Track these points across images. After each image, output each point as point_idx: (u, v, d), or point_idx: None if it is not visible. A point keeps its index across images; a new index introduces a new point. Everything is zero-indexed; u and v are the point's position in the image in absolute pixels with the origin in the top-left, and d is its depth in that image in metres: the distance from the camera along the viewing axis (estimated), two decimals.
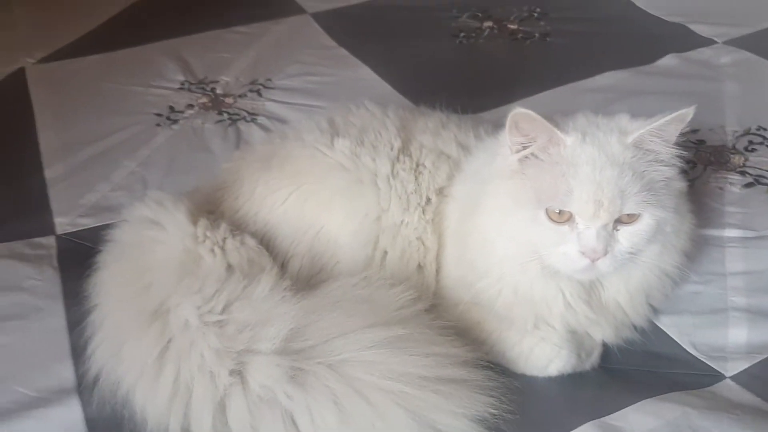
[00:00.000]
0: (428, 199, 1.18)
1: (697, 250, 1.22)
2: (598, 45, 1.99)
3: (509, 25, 2.11)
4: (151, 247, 1.15)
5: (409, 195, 1.17)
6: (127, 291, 1.11)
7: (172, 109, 1.82)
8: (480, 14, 2.17)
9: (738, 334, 1.17)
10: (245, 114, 1.78)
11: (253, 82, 1.91)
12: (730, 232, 1.36)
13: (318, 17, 2.21)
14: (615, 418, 1.03)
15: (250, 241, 1.16)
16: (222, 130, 1.73)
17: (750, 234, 1.35)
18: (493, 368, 1.05)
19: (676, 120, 0.99)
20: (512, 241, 1.05)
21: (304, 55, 2.01)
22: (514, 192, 1.04)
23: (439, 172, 1.20)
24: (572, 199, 0.98)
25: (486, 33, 2.09)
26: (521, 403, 1.02)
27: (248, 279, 1.07)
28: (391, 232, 1.16)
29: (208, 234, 1.15)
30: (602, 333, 1.13)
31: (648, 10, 2.13)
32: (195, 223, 1.17)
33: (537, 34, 2.06)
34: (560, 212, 1.00)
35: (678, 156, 1.03)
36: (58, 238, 1.44)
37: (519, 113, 0.98)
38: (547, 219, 1.00)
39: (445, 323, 1.06)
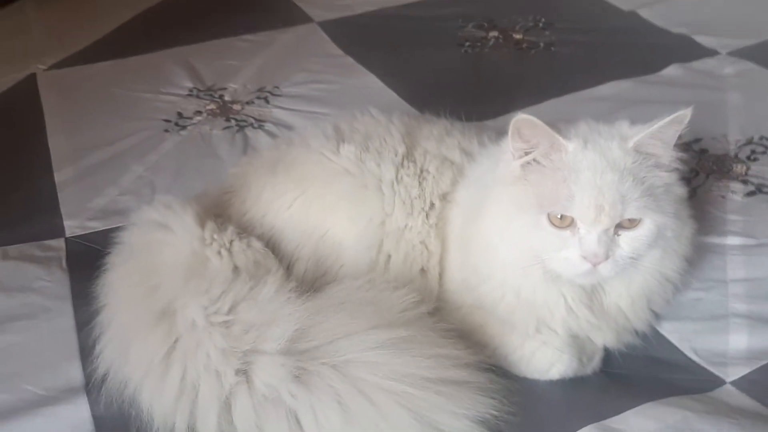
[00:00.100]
0: (432, 204, 1.20)
1: (698, 256, 1.23)
2: (602, 55, 2.01)
3: (514, 35, 2.13)
4: (159, 249, 1.17)
5: (413, 200, 1.19)
6: (135, 292, 1.13)
7: (180, 115, 1.84)
8: (485, 24, 2.19)
9: (738, 340, 1.18)
10: (252, 120, 1.81)
11: (260, 90, 1.93)
12: (732, 240, 1.37)
13: (325, 26, 2.24)
14: (616, 422, 1.04)
15: (257, 244, 1.17)
16: (230, 136, 1.75)
17: (751, 242, 1.36)
18: (495, 371, 1.06)
19: (674, 121, 1.01)
20: (514, 245, 1.06)
21: (310, 63, 2.04)
22: (516, 197, 1.05)
23: (443, 177, 1.21)
24: (574, 204, 1.00)
25: (491, 42, 2.11)
26: (522, 404, 1.03)
27: (254, 280, 1.08)
28: (394, 236, 1.18)
29: (216, 237, 1.17)
30: (604, 337, 1.14)
31: (653, 21, 2.15)
32: (202, 225, 1.19)
33: (542, 44, 2.08)
34: (562, 217, 1.01)
35: (678, 159, 1.04)
36: (68, 240, 1.46)
37: (521, 119, 1.00)
38: (549, 224, 1.02)
39: (448, 326, 1.07)
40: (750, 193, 1.48)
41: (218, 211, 1.26)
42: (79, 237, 1.48)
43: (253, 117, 1.82)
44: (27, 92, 1.96)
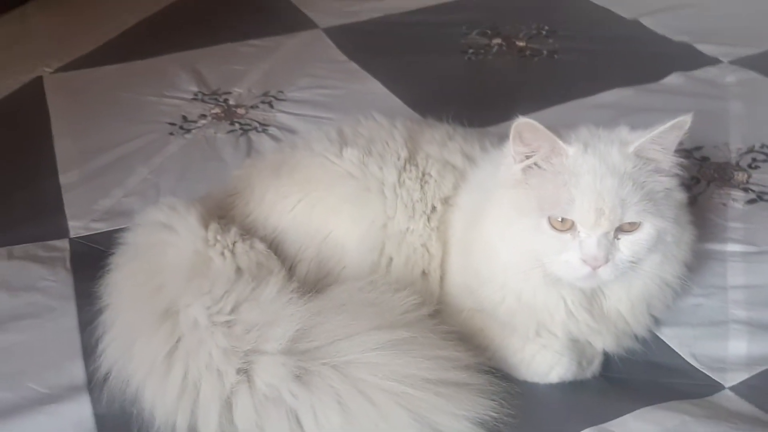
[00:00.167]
0: (434, 208, 1.21)
1: (698, 262, 1.24)
2: (604, 63, 2.02)
3: (518, 43, 2.15)
4: (163, 249, 1.18)
5: (415, 203, 1.20)
6: (138, 291, 1.14)
7: (185, 118, 1.86)
8: (489, 31, 2.21)
9: (738, 346, 1.19)
10: (256, 124, 1.82)
11: (265, 94, 1.94)
12: (732, 247, 1.38)
13: (330, 32, 2.26)
14: (614, 425, 1.05)
15: (259, 245, 1.18)
16: (233, 139, 1.77)
17: (752, 249, 1.37)
18: (495, 373, 1.07)
19: (674, 127, 1.02)
20: (515, 248, 1.07)
21: (315, 69, 2.05)
22: (517, 201, 1.06)
23: (445, 181, 1.22)
24: (574, 207, 1.01)
25: (495, 50, 2.13)
26: (522, 407, 1.04)
27: (256, 281, 1.09)
28: (396, 238, 1.19)
29: (219, 238, 1.18)
30: (603, 342, 1.15)
31: (655, 30, 2.16)
32: (206, 227, 1.20)
33: (545, 52, 2.10)
34: (562, 220, 1.02)
35: (678, 165, 1.05)
36: (72, 241, 1.48)
37: (523, 123, 1.01)
38: (550, 227, 1.02)
39: (449, 328, 1.08)
40: (751, 201, 1.49)
41: (222, 213, 1.27)
42: (83, 238, 1.49)
43: (257, 121, 1.83)
44: (33, 95, 1.98)
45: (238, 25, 2.31)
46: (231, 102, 1.92)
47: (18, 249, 1.44)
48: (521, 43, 2.14)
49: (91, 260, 1.34)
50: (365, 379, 0.99)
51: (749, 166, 1.58)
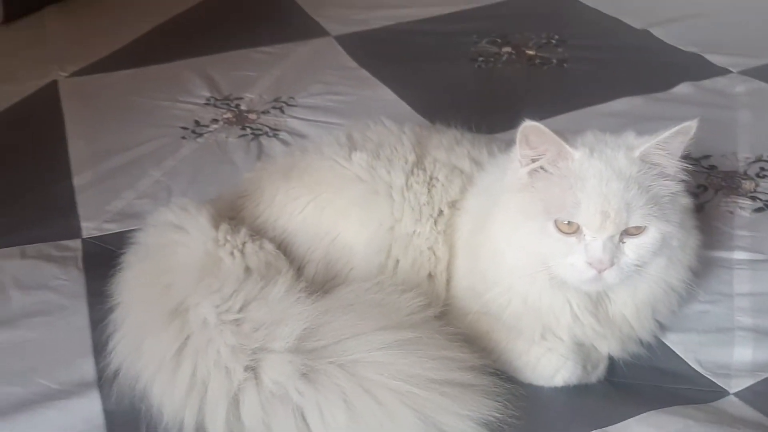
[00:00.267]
0: (440, 211, 1.22)
1: (705, 269, 1.25)
2: (614, 72, 2.03)
3: (527, 51, 2.16)
4: (174, 249, 1.20)
5: (422, 206, 1.21)
6: (149, 290, 1.16)
7: (197, 123, 1.88)
8: (499, 40, 2.22)
9: (743, 353, 1.19)
10: (267, 129, 1.84)
11: (276, 100, 1.96)
12: (739, 255, 1.38)
13: (341, 40, 2.28)
14: (618, 429, 1.06)
15: (269, 246, 1.20)
16: (245, 144, 1.79)
17: (758, 257, 1.37)
18: (500, 375, 1.08)
19: (680, 132, 1.03)
20: (521, 251, 1.08)
21: (326, 76, 2.07)
22: (523, 204, 1.07)
23: (452, 185, 1.24)
24: (580, 211, 1.02)
25: (504, 58, 2.14)
26: (526, 409, 1.05)
27: (265, 281, 1.11)
28: (403, 241, 1.20)
29: (229, 238, 1.20)
30: (608, 346, 1.16)
31: (665, 40, 2.17)
32: (217, 227, 1.21)
33: (554, 60, 2.11)
34: (568, 223, 1.03)
35: (683, 170, 1.06)
36: (84, 241, 1.50)
37: (529, 126, 1.02)
38: (556, 230, 1.03)
39: (454, 329, 1.09)
40: (758, 209, 1.49)
41: (232, 214, 1.29)
42: (95, 238, 1.51)
43: (268, 126, 1.85)
44: (48, 98, 2.01)
45: (251, 33, 2.32)
46: (243, 107, 1.94)
47: (31, 248, 1.46)
48: (531, 52, 2.15)
49: (102, 260, 1.36)
50: (371, 378, 1.00)
51: (757, 175, 1.59)
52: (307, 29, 2.36)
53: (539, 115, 1.74)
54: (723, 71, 1.98)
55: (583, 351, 1.14)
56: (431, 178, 1.24)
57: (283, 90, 2.01)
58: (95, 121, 1.90)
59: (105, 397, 1.13)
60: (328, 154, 1.28)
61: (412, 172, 1.24)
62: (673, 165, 1.04)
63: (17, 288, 1.36)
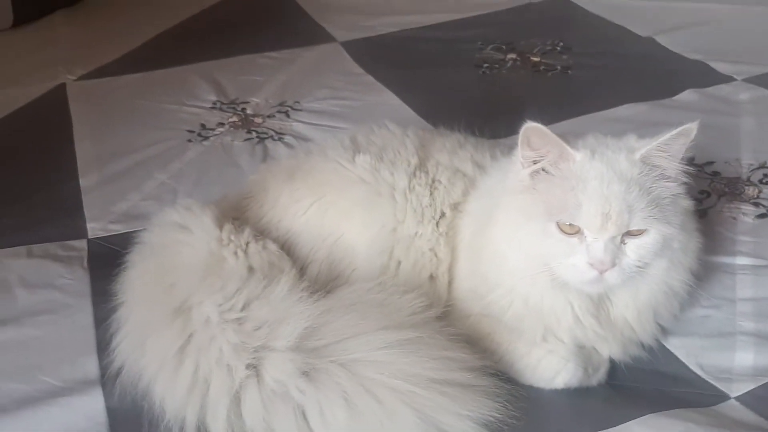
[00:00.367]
0: (443, 213, 1.23)
1: (707, 274, 1.25)
2: (618, 79, 2.03)
3: (532, 58, 2.17)
4: (178, 248, 1.21)
5: (424, 208, 1.22)
6: (152, 289, 1.17)
7: (203, 126, 1.89)
8: (504, 47, 2.23)
9: (745, 357, 1.19)
10: (273, 133, 1.85)
11: (281, 104, 1.98)
12: (742, 260, 1.38)
13: (347, 45, 2.29)
14: (618, 431, 1.06)
15: (272, 246, 1.21)
16: (250, 147, 1.80)
17: (761, 262, 1.37)
18: (500, 376, 1.08)
19: (681, 134, 1.03)
20: (523, 253, 1.09)
21: (332, 81, 2.08)
22: (525, 206, 1.08)
23: (455, 188, 1.24)
24: (581, 213, 1.02)
25: (509, 64, 2.15)
26: (526, 410, 1.05)
27: (268, 280, 1.11)
28: (405, 242, 1.21)
29: (233, 238, 1.21)
30: (609, 349, 1.16)
31: (669, 48, 2.17)
32: (221, 227, 1.22)
33: (559, 67, 2.12)
34: (570, 224, 1.03)
35: (684, 172, 1.06)
36: (90, 241, 1.51)
37: (531, 127, 1.03)
38: (558, 231, 1.04)
39: (455, 330, 1.10)
40: (761, 216, 1.49)
41: (236, 215, 1.30)
42: (101, 239, 1.52)
43: (273, 130, 1.87)
44: (56, 101, 2.03)
45: (258, 38, 2.34)
46: (249, 111, 1.96)
47: (37, 248, 1.48)
48: (535, 59, 2.16)
49: (107, 260, 1.37)
50: (371, 377, 1.01)
51: (760, 181, 1.59)
52: (314, 35, 2.37)
53: (543, 121, 1.75)
54: (727, 79, 1.98)
55: (584, 354, 1.15)
56: (434, 181, 1.25)
57: (289, 94, 2.02)
58: (102, 123, 1.92)
59: (108, 395, 1.14)
60: (332, 157, 1.29)
61: (414, 174, 1.25)
62: (674, 167, 1.05)
63: (23, 287, 1.38)
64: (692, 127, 1.03)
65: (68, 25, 2.46)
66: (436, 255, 1.21)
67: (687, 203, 1.09)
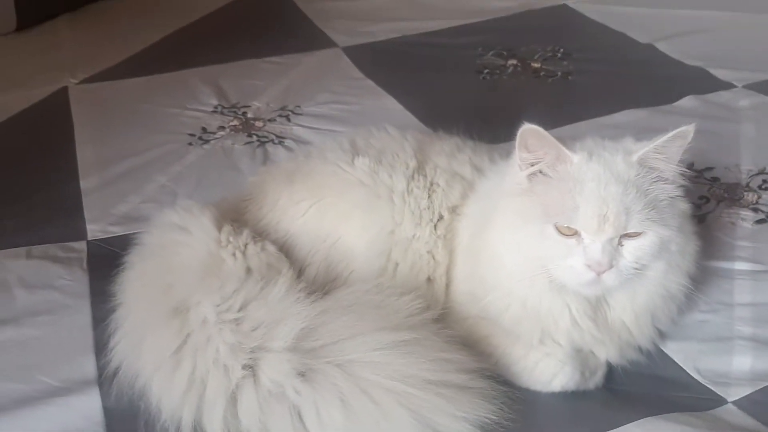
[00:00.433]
0: (441, 216, 1.23)
1: (703, 276, 1.25)
2: (619, 85, 2.04)
3: (533, 64, 2.18)
4: (177, 249, 1.21)
5: (422, 211, 1.22)
6: (150, 289, 1.17)
7: (204, 130, 1.90)
8: (505, 53, 2.24)
9: (742, 362, 1.19)
10: (273, 137, 1.86)
11: (283, 108, 1.98)
12: (740, 265, 1.38)
13: (349, 51, 2.30)
14: None
15: (270, 248, 1.21)
16: (250, 150, 1.81)
17: (759, 267, 1.37)
18: (497, 378, 1.08)
19: (677, 136, 1.04)
20: (521, 255, 1.09)
21: (333, 85, 2.09)
22: (523, 208, 1.08)
23: (453, 191, 1.25)
24: (578, 215, 1.02)
25: (509, 70, 2.16)
26: (522, 412, 1.05)
27: (265, 281, 1.12)
28: (403, 245, 1.21)
29: (231, 239, 1.21)
30: (607, 352, 1.16)
31: (670, 54, 2.17)
32: (219, 228, 1.23)
33: (559, 73, 2.12)
34: (568, 226, 1.04)
35: (682, 175, 1.06)
36: (89, 243, 1.52)
37: (528, 129, 1.03)
38: (556, 232, 1.04)
39: (452, 332, 1.10)
40: (760, 221, 1.49)
41: (236, 216, 1.30)
42: (100, 240, 1.53)
43: (274, 133, 1.87)
44: (58, 104, 2.04)
45: (260, 43, 2.35)
46: (249, 115, 1.96)
47: (37, 249, 1.48)
48: (536, 65, 2.17)
49: (106, 261, 1.38)
50: (368, 378, 1.01)
51: (760, 187, 1.59)
52: (316, 40, 2.38)
53: (543, 126, 1.76)
54: (727, 85, 1.99)
55: (581, 357, 1.15)
56: (432, 184, 1.25)
57: (290, 99, 2.03)
58: (103, 126, 1.93)
59: (105, 395, 1.14)
60: (332, 159, 1.29)
61: (413, 177, 1.25)
62: (671, 169, 1.05)
63: (22, 287, 1.38)
64: (689, 130, 1.03)
65: (71, 30, 2.47)
66: (433, 257, 1.22)
67: (684, 206, 1.09)
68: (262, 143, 1.83)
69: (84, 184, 1.70)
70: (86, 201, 1.64)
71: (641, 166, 1.05)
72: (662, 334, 1.21)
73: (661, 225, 1.04)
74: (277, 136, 1.86)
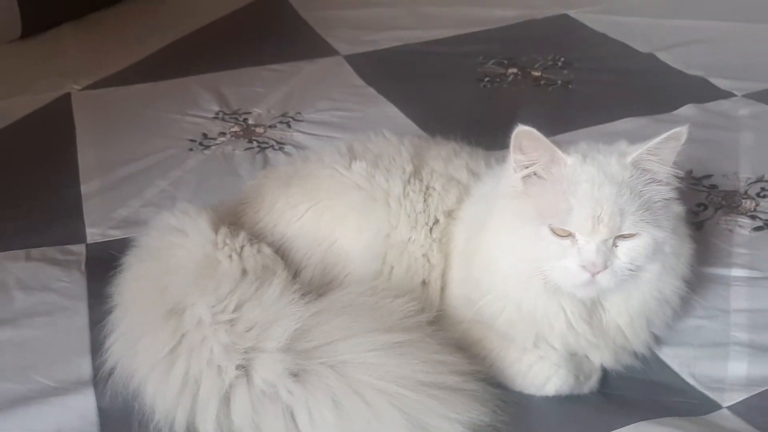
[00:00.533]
0: (436, 220, 1.23)
1: (700, 282, 1.25)
2: (618, 94, 2.04)
3: (533, 72, 2.18)
4: (173, 251, 1.22)
5: (418, 214, 1.23)
6: (147, 291, 1.18)
7: (205, 135, 1.91)
8: (505, 61, 2.25)
9: (738, 367, 1.19)
10: (274, 143, 1.87)
11: (283, 115, 1.99)
12: (737, 272, 1.38)
13: (350, 59, 2.31)
14: None
15: (266, 250, 1.22)
16: (251, 156, 1.82)
17: (756, 274, 1.37)
18: (491, 381, 1.08)
19: (671, 138, 1.04)
20: (516, 257, 1.09)
21: (334, 93, 2.10)
22: (517, 210, 1.08)
23: (449, 195, 1.25)
24: (572, 216, 1.03)
25: (510, 78, 2.17)
26: (515, 414, 1.05)
27: (260, 282, 1.12)
28: (398, 248, 1.21)
29: (228, 241, 1.21)
30: (601, 357, 1.16)
31: (670, 64, 2.18)
32: (216, 231, 1.23)
33: (559, 82, 2.13)
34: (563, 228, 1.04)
35: (676, 177, 1.07)
36: (89, 246, 1.52)
37: (522, 131, 1.04)
38: (550, 233, 1.04)
39: (446, 334, 1.10)
40: (757, 228, 1.49)
41: (233, 219, 1.31)
42: (99, 244, 1.53)
43: (274, 140, 1.88)
44: (61, 110, 2.05)
45: (262, 51, 2.36)
46: (250, 121, 1.98)
47: (36, 251, 1.49)
48: (536, 73, 2.18)
49: (105, 264, 1.37)
50: (360, 379, 1.01)
51: (758, 194, 1.59)
52: (317, 48, 2.39)
53: (542, 133, 1.77)
54: (727, 94, 1.99)
55: (575, 361, 1.14)
56: (428, 188, 1.26)
57: (291, 106, 2.04)
58: (105, 131, 1.94)
59: (99, 395, 1.15)
60: (329, 163, 1.30)
61: (409, 181, 1.26)
62: (664, 171, 1.06)
63: (20, 289, 1.39)
64: (682, 131, 1.04)
65: (75, 37, 2.49)
66: (428, 261, 1.22)
67: (678, 208, 1.10)
68: (263, 149, 1.84)
69: (85, 188, 1.71)
70: (86, 205, 1.65)
71: (635, 167, 1.05)
72: (658, 340, 1.21)
73: (655, 226, 1.04)
74: (278, 142, 1.87)
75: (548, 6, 2.58)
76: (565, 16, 2.53)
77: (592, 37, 2.39)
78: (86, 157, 1.83)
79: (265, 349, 1.04)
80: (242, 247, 1.21)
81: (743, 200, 1.58)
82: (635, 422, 1.07)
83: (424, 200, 1.24)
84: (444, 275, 1.23)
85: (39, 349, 1.25)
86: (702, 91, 2.02)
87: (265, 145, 1.86)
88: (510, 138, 1.08)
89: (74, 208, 1.64)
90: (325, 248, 1.24)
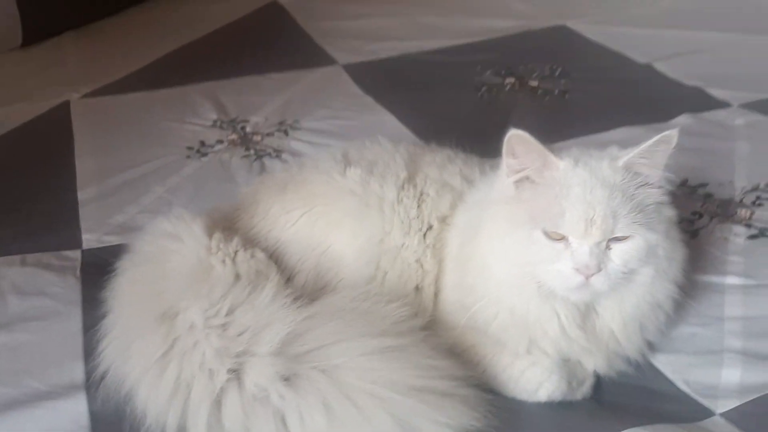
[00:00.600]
0: (430, 226, 1.24)
1: (694, 290, 1.26)
2: (615, 103, 2.04)
3: (530, 82, 2.19)
4: (167, 256, 1.22)
5: (411, 220, 1.23)
6: (140, 295, 1.18)
7: (203, 143, 1.92)
8: (503, 71, 2.25)
9: (731, 374, 1.18)
10: (271, 150, 1.87)
11: (281, 123, 2.00)
12: (732, 280, 1.38)
13: (349, 68, 2.32)
14: None
15: (260, 255, 1.22)
16: (248, 163, 1.82)
17: (751, 282, 1.37)
18: (482, 386, 1.08)
19: (662, 141, 1.05)
20: (509, 262, 1.09)
21: (332, 101, 2.11)
22: (510, 215, 1.09)
23: (442, 201, 1.25)
24: (564, 219, 1.03)
25: (507, 88, 2.17)
26: (506, 420, 1.05)
27: (252, 286, 1.12)
28: (391, 253, 1.22)
29: (221, 246, 1.22)
30: (594, 362, 1.15)
31: (667, 74, 2.18)
32: (210, 236, 1.23)
33: (556, 91, 2.13)
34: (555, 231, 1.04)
35: (667, 180, 1.07)
36: (84, 252, 1.53)
37: (515, 135, 1.04)
38: (544, 236, 1.04)
39: (438, 340, 1.10)
40: (752, 236, 1.49)
41: (227, 225, 1.31)
42: (95, 250, 1.54)
43: (271, 147, 1.89)
44: (60, 117, 2.07)
45: (261, 60, 2.38)
46: (248, 129, 1.98)
47: (31, 257, 1.50)
48: (534, 83, 2.18)
49: (100, 270, 1.37)
50: (352, 383, 1.01)
51: (753, 203, 1.59)
52: (316, 58, 2.40)
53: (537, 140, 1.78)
54: (723, 104, 1.99)
55: (568, 367, 1.14)
56: (422, 194, 1.26)
57: (289, 114, 2.05)
58: (103, 139, 1.95)
59: (91, 399, 1.15)
60: (324, 169, 1.31)
61: (403, 187, 1.26)
62: (656, 174, 1.06)
63: (15, 293, 1.40)
64: (673, 134, 1.04)
65: (75, 46, 2.51)
66: (422, 266, 1.22)
67: (671, 212, 1.10)
68: (260, 156, 1.85)
69: (81, 194, 1.72)
70: (83, 211, 1.66)
71: (627, 171, 1.05)
72: (651, 346, 1.20)
73: (648, 229, 1.05)
74: (275, 150, 1.88)
75: (546, 17, 2.58)
76: (563, 27, 2.53)
77: (589, 47, 2.40)
78: (84, 163, 1.84)
79: (257, 353, 1.04)
80: (236, 252, 1.21)
81: (738, 209, 1.58)
82: (628, 429, 1.07)
83: (418, 206, 1.24)
84: (437, 280, 1.23)
85: (32, 354, 1.26)
86: (698, 101, 2.02)
87: (263, 153, 1.87)
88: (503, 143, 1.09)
89: (71, 214, 1.65)
90: (319, 253, 1.24)
